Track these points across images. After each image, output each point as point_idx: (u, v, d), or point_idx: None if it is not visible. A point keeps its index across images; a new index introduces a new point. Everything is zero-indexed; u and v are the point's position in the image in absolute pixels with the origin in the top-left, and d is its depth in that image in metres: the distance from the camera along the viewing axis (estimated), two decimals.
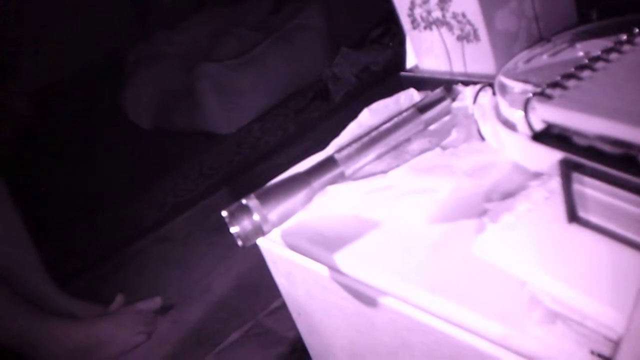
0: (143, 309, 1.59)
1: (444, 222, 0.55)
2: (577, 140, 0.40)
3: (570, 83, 0.43)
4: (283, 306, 1.48)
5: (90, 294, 1.64)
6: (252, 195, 0.59)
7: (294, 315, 0.72)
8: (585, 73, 0.45)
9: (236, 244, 1.75)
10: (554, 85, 0.43)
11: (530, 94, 0.44)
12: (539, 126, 0.45)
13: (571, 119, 0.40)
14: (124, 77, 2.62)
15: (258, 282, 1.61)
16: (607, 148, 0.38)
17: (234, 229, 0.58)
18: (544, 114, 0.42)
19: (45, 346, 1.46)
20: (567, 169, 0.42)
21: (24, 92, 3.04)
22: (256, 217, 0.58)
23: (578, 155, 0.39)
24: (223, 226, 1.83)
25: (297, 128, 2.26)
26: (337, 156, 0.63)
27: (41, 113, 2.96)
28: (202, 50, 2.61)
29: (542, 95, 0.42)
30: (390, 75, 2.37)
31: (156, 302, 1.62)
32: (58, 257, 1.85)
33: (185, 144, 2.39)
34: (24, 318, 1.44)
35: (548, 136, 0.42)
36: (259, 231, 0.59)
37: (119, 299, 1.63)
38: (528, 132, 0.53)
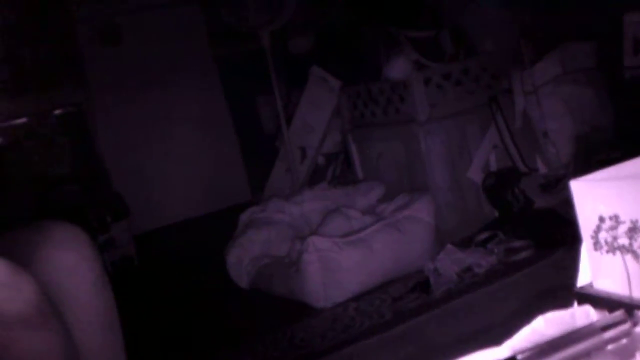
0: None
1: None
2: None
3: None
4: None
5: None
6: None
7: None
8: None
9: None
10: None
11: None
12: None
13: None
14: (234, 236, 2.74)
15: None
16: None
17: None
18: None
19: None
20: None
21: (131, 231, 3.19)
22: None
23: None
24: None
25: (393, 315, 2.27)
26: (518, 357, 0.65)
27: (146, 255, 3.09)
28: (311, 224, 2.72)
29: None
30: (492, 279, 2.38)
31: None
32: None
33: (279, 310, 2.42)
34: None
35: None
36: None
37: None
38: None
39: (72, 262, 1.53)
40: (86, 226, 1.63)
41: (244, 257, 2.64)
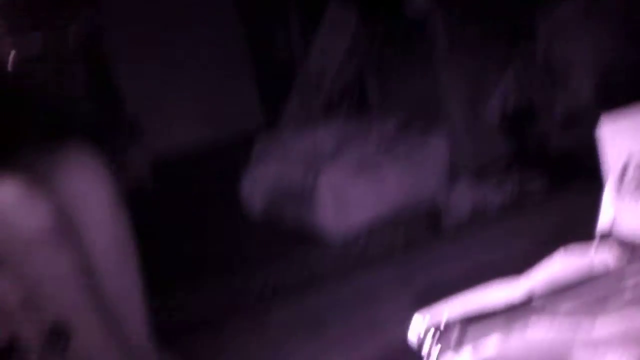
0: None
1: None
2: None
3: None
4: None
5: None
6: (453, 319, 0.61)
7: None
8: None
9: (334, 345, 1.74)
10: None
11: None
12: None
13: None
14: (249, 165, 2.74)
15: None
16: None
17: (433, 346, 0.60)
18: None
19: None
20: None
21: (146, 155, 3.19)
22: (455, 338, 0.60)
23: None
24: (320, 324, 1.84)
25: (404, 246, 2.28)
26: (536, 294, 0.65)
27: (160, 180, 3.09)
28: (324, 155, 2.71)
29: None
30: (505, 214, 2.38)
31: None
32: (155, 317, 1.88)
33: (292, 239, 2.44)
34: None
35: None
36: (455, 353, 0.61)
37: None
38: None
39: (86, 183, 1.54)
40: (100, 148, 1.63)
41: (258, 186, 2.64)
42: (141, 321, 1.61)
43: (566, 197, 2.41)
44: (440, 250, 2.23)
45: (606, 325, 0.61)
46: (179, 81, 3.64)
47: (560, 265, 0.72)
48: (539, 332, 0.63)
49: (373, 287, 2.06)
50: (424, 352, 0.60)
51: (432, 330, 0.59)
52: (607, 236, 0.76)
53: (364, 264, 2.21)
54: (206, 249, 2.48)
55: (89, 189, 1.54)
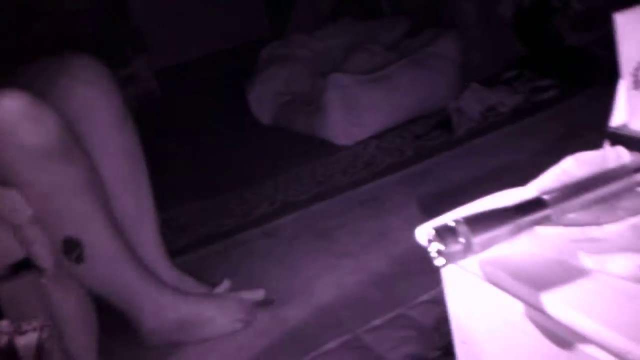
0: (246, 299, 1.63)
1: None
2: None
3: None
4: (385, 325, 1.50)
5: (194, 274, 1.69)
6: (461, 219, 0.60)
7: (457, 342, 0.73)
8: None
9: (343, 255, 1.76)
10: None
11: None
12: None
13: None
14: (255, 72, 2.70)
15: (362, 297, 1.62)
16: None
17: (438, 247, 0.59)
18: None
19: (150, 312, 1.51)
20: None
21: (152, 68, 3.15)
22: (462, 240, 0.59)
23: None
24: (330, 234, 1.85)
25: (414, 153, 2.27)
26: (546, 198, 0.64)
27: (167, 91, 3.07)
28: (333, 60, 2.66)
29: None
30: (517, 118, 2.35)
31: (259, 294, 1.65)
32: (167, 232, 1.91)
33: (301, 147, 2.43)
34: (137, 281, 1.50)
35: None
36: (461, 255, 0.60)
37: (226, 283, 1.67)
38: None
39: (92, 94, 1.52)
40: (105, 60, 1.60)
41: (266, 93, 2.61)
42: (154, 236, 1.63)
43: (579, 99, 2.37)
44: (451, 157, 2.22)
45: (616, 229, 0.61)
46: None
47: (572, 166, 0.71)
48: (547, 233, 0.63)
49: (383, 194, 2.07)
50: (432, 254, 0.60)
51: (440, 231, 0.59)
52: (620, 135, 0.75)
53: (372, 170, 2.20)
54: (215, 159, 2.48)
55: (95, 101, 1.52)
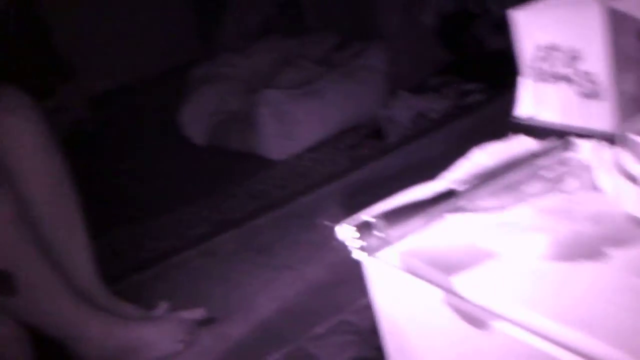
0: (186, 318, 1.61)
1: (563, 261, 0.58)
2: None
3: None
4: (326, 332, 1.51)
5: (131, 299, 1.67)
6: (377, 213, 0.62)
7: (385, 334, 0.74)
8: None
9: (283, 267, 1.76)
10: None
11: None
12: None
13: None
14: (186, 92, 2.69)
15: (303, 308, 1.63)
16: None
17: (356, 241, 0.61)
18: None
19: (89, 341, 1.49)
20: None
21: (82, 94, 3.11)
22: (378, 233, 0.61)
23: None
24: (268, 248, 1.85)
25: (348, 163, 2.30)
26: (455, 188, 0.66)
27: (98, 117, 3.03)
28: (263, 77, 2.68)
29: None
30: (446, 123, 2.41)
31: (199, 313, 1.64)
32: (102, 258, 1.88)
33: (236, 164, 2.43)
34: (73, 310, 1.47)
35: None
36: (378, 247, 0.62)
37: (163, 305, 1.66)
38: None
39: (17, 126, 1.50)
40: (30, 90, 1.57)
41: (198, 113, 2.61)
42: (88, 263, 1.60)
43: (504, 100, 2.44)
44: (384, 165, 2.25)
45: (521, 212, 0.63)
46: (111, 16, 3.51)
47: (480, 157, 0.74)
48: (458, 221, 0.65)
49: (320, 205, 2.08)
50: (352, 249, 0.61)
51: (358, 227, 0.60)
52: (524, 125, 0.78)
53: (308, 183, 2.22)
54: (150, 182, 2.46)
55: (19, 132, 1.49)
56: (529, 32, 0.73)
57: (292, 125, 2.38)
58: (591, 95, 0.70)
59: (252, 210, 2.12)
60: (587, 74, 0.69)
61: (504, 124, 0.82)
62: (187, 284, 1.82)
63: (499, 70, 2.51)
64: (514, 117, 0.80)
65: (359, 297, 1.54)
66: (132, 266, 1.95)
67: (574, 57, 0.70)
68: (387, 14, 2.78)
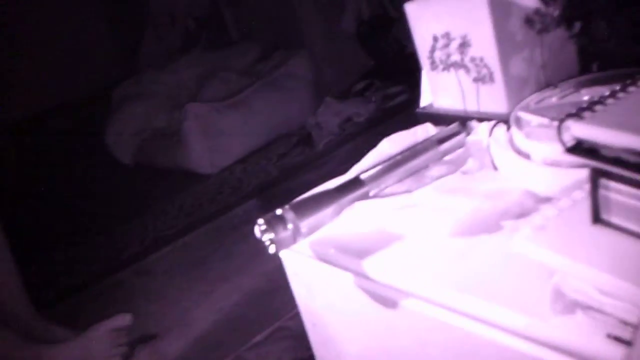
0: (113, 326, 1.58)
1: (465, 236, 0.60)
2: (605, 152, 0.47)
3: (597, 108, 0.50)
4: (265, 340, 1.51)
5: (67, 323, 1.63)
6: (287, 207, 0.63)
7: (308, 326, 0.76)
8: (608, 101, 0.51)
9: (219, 280, 1.75)
10: (583, 109, 0.49)
11: (564, 116, 0.50)
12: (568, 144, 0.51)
13: (600, 134, 0.47)
14: (110, 112, 2.66)
15: (240, 318, 1.63)
16: (631, 158, 0.45)
17: (269, 236, 0.62)
18: (577, 131, 0.48)
19: None
20: (596, 176, 0.49)
21: (2, 122, 3.03)
22: (290, 226, 0.63)
23: (606, 163, 0.46)
24: (203, 262, 1.84)
25: (279, 172, 2.32)
26: (363, 177, 0.69)
27: (21, 144, 2.96)
28: (188, 92, 2.67)
29: (575, 116, 0.48)
30: (372, 126, 2.45)
31: (125, 319, 1.60)
32: (36, 285, 1.85)
33: (166, 181, 2.42)
34: (2, 341, 1.44)
35: (579, 149, 0.48)
36: (291, 240, 0.63)
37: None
38: (549, 155, 0.59)
39: None
40: None
41: (124, 132, 2.58)
42: (16, 289, 1.56)
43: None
44: (313, 171, 2.27)
45: (423, 193, 0.66)
46: (29, 38, 3.43)
47: (386, 146, 0.76)
48: (367, 207, 0.67)
49: (253, 216, 2.08)
50: (266, 243, 0.62)
51: (269, 221, 0.62)
52: (427, 114, 0.81)
53: (239, 195, 2.23)
54: (78, 206, 2.42)
55: None
56: (424, 23, 0.76)
57: (219, 137, 2.38)
58: (484, 79, 0.74)
59: (184, 226, 2.11)
60: (478, 59, 0.73)
61: (410, 114, 0.84)
62: (123, 303, 1.80)
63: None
64: (420, 108, 0.83)
65: (295, 303, 1.56)
66: (67, 289, 1.91)
67: (465, 44, 0.73)
68: (308, 22, 2.81)
